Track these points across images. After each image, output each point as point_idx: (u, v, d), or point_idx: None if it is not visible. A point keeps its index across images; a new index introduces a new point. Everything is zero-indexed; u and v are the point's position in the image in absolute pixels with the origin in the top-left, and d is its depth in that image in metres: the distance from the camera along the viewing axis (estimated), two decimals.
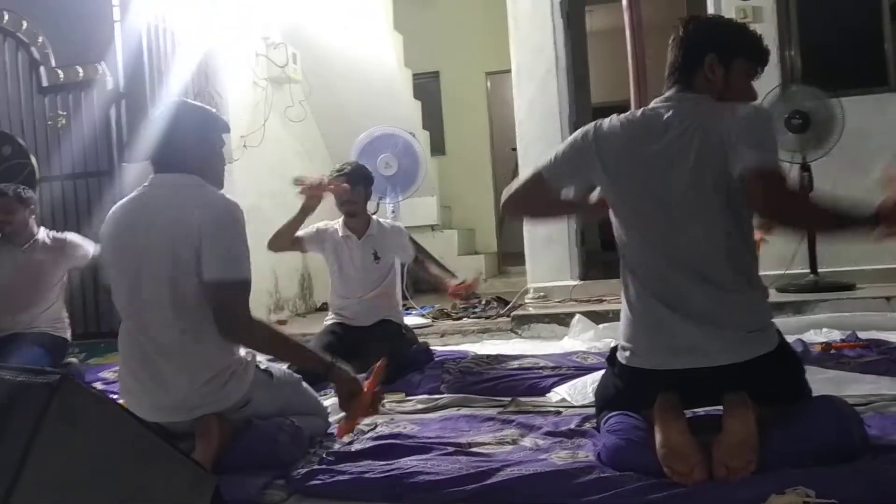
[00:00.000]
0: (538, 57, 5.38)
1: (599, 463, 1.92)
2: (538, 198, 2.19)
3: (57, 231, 4.04)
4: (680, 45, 2.12)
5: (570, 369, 3.27)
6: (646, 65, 4.03)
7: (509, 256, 7.86)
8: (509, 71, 5.75)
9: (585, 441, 2.15)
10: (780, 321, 3.96)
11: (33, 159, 5.09)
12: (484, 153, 8.52)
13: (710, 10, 5.04)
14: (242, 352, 2.30)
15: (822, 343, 3.50)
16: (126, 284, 2.21)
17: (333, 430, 2.46)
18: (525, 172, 2.24)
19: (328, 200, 3.71)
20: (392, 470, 1.95)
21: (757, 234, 2.32)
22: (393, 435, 2.31)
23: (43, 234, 3.92)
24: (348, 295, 3.74)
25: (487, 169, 8.50)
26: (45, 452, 1.18)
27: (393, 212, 5.31)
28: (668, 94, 2.10)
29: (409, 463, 1.99)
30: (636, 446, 1.86)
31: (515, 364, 3.48)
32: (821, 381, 2.78)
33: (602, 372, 2.30)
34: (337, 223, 3.77)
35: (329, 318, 3.82)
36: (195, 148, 2.24)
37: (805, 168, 4.56)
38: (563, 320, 4.41)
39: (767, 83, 4.77)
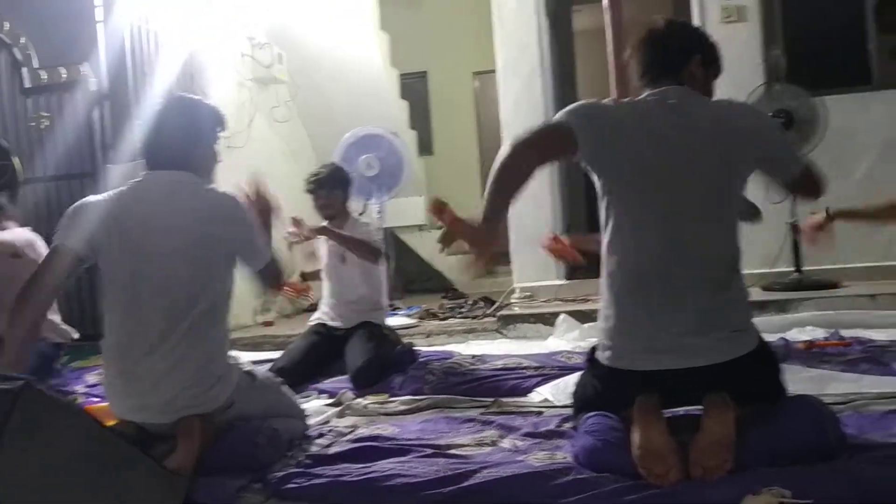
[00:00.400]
0: (523, 56, 5.37)
1: (577, 464, 1.91)
2: (555, 146, 2.04)
3: (40, 234, 4.00)
4: (667, 43, 2.15)
5: (553, 369, 3.27)
6: (630, 64, 4.03)
7: (497, 256, 7.85)
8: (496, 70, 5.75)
9: (564, 442, 2.14)
10: (764, 319, 4.04)
11: (16, 161, 5.05)
12: (472, 153, 8.50)
13: (695, 10, 5.05)
14: (229, 354, 2.30)
15: (805, 341, 3.50)
16: (121, 284, 2.19)
17: (312, 432, 2.46)
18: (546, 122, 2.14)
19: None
20: (368, 473, 1.93)
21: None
22: (371, 437, 2.30)
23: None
24: (329, 296, 3.73)
25: (475, 169, 8.48)
26: (8, 461, 1.17)
27: (379, 212, 5.30)
28: (663, 88, 2.10)
29: (386, 466, 1.98)
30: (613, 447, 1.86)
31: (499, 364, 3.48)
32: (802, 380, 2.79)
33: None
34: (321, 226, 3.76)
35: (313, 319, 3.81)
36: (189, 144, 2.24)
37: None
38: (549, 320, 4.41)
39: (751, 82, 4.79)
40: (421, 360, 3.64)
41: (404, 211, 7.30)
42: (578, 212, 5.49)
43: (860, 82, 4.93)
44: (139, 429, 2.12)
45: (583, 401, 2.14)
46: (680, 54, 2.13)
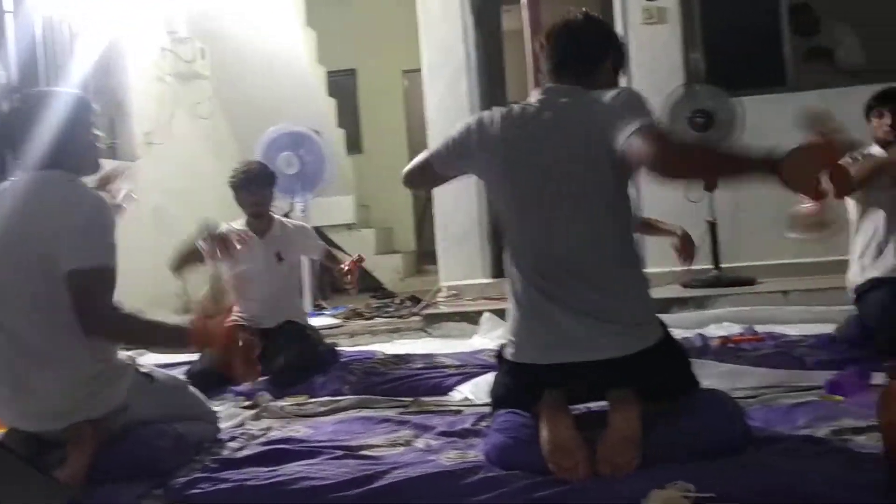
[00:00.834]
0: (448, 55, 5.36)
1: (488, 462, 1.90)
2: (429, 178, 2.41)
3: None
4: (583, 40, 2.14)
5: (475, 367, 3.26)
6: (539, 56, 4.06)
7: (428, 255, 7.84)
8: None
9: (478, 440, 2.12)
10: (682, 316, 4.12)
11: None
12: (402, 152, 8.45)
13: (618, 10, 5.11)
14: (120, 355, 2.20)
15: (721, 337, 3.57)
16: None
17: (223, 435, 2.39)
18: (422, 154, 2.36)
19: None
20: (275, 476, 1.88)
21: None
22: (283, 439, 2.25)
23: None
24: (251, 297, 3.64)
25: (405, 167, 8.45)
26: None
27: (303, 211, 5.22)
28: (549, 86, 2.12)
29: (294, 468, 1.93)
30: (523, 444, 1.85)
31: (421, 363, 3.46)
32: (717, 375, 2.84)
33: None
34: (238, 223, 3.67)
35: (231, 321, 3.71)
36: (57, 141, 2.12)
37: None
38: (474, 318, 4.41)
39: (671, 83, 4.88)
40: (343, 360, 3.60)
41: (333, 210, 7.22)
42: None
43: (775, 83, 5.06)
44: (30, 437, 2.02)
45: (496, 398, 2.13)
46: (592, 59, 2.14)
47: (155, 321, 2.23)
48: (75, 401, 2.04)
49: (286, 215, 5.52)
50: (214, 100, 6.43)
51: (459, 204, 5.30)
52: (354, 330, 4.74)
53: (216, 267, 3.65)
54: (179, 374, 3.33)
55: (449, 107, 5.28)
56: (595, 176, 1.99)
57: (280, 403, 2.97)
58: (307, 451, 2.08)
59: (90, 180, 2.32)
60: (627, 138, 1.84)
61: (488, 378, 2.91)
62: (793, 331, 3.62)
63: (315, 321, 4.84)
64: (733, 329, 3.78)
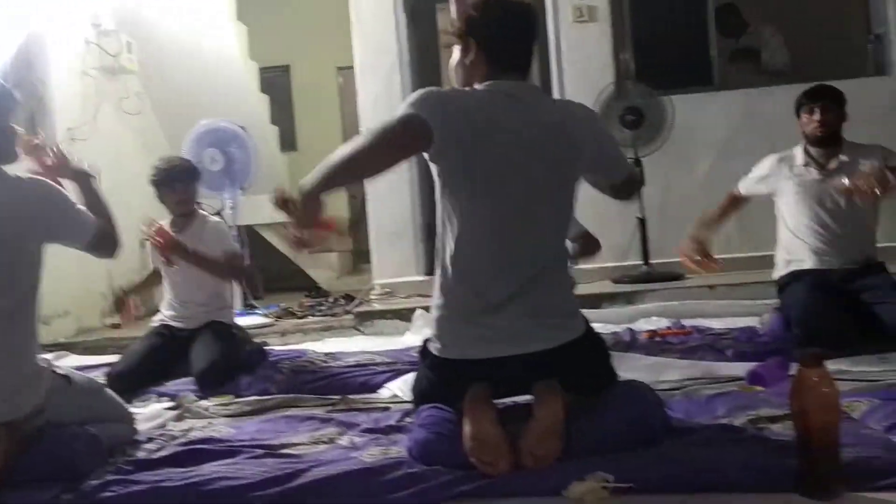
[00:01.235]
0: (382, 53, 5.31)
1: (410, 458, 1.88)
2: (417, 138, 1.92)
3: None
4: (530, 32, 2.12)
5: (405, 364, 3.24)
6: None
7: (365, 254, 7.76)
8: None
9: (402, 437, 2.10)
10: (612, 311, 4.17)
11: None
12: (336, 149, 8.39)
13: (549, 8, 5.14)
14: (38, 357, 2.12)
15: (649, 331, 3.62)
16: None
17: (142, 436, 2.32)
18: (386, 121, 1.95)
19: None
20: (191, 477, 1.83)
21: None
22: (203, 440, 2.20)
23: None
24: (173, 296, 3.56)
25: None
26: None
27: (232, 208, 5.12)
28: (515, 81, 2.06)
29: (211, 469, 1.89)
30: (445, 440, 1.84)
31: (352, 361, 3.42)
32: (643, 368, 2.88)
33: None
34: (164, 222, 3.58)
35: (156, 321, 3.63)
36: None
37: (637, 163, 4.72)
38: (406, 316, 4.38)
39: (602, 80, 4.93)
40: (272, 359, 3.53)
41: (265, 207, 7.06)
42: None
43: (702, 83, 5.16)
44: None
45: (419, 394, 2.12)
46: (532, 45, 2.12)
47: None
48: None
49: (218, 213, 5.43)
50: (142, 95, 6.26)
51: (393, 201, 5.27)
52: (285, 329, 4.67)
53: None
54: (99, 375, 3.25)
55: (383, 105, 5.23)
56: (557, 178, 2.02)
57: (204, 404, 2.90)
58: (226, 451, 2.04)
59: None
60: (621, 180, 2.22)
61: None
62: (718, 324, 3.69)
63: (245, 320, 4.76)
64: (661, 323, 3.84)
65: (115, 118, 5.93)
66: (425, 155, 2.01)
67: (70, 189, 2.46)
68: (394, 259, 5.29)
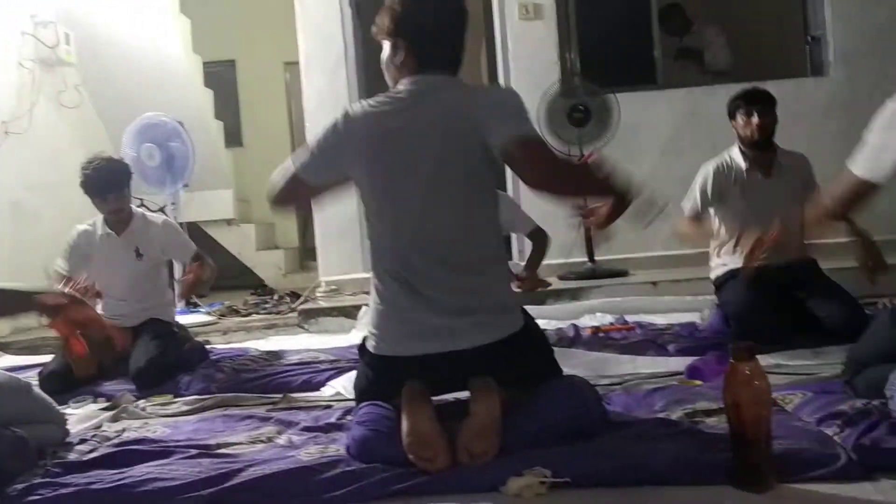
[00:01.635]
0: (327, 48, 5.27)
1: (348, 456, 1.86)
2: (303, 194, 2.18)
3: None
4: (461, 28, 2.08)
5: (349, 362, 3.21)
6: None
7: (312, 251, 7.70)
8: None
9: (342, 435, 2.08)
10: (557, 307, 4.19)
11: None
12: (284, 145, 8.29)
13: (496, 5, 5.15)
14: None
15: (593, 327, 3.65)
16: None
17: (74, 438, 2.26)
18: (284, 166, 2.13)
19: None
20: (122, 479, 1.78)
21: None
22: (137, 440, 2.14)
23: None
24: (112, 295, 3.46)
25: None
26: None
27: (173, 203, 5.02)
28: (440, 76, 2.04)
29: (143, 470, 1.84)
30: (383, 437, 1.82)
31: (295, 359, 3.38)
32: (586, 364, 2.91)
33: None
34: (94, 221, 3.49)
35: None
36: None
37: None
38: (352, 313, 4.35)
39: (547, 78, 4.96)
40: (213, 357, 3.48)
41: (210, 204, 7.00)
42: None
43: (646, 81, 5.22)
44: None
45: (359, 391, 2.10)
46: (463, 41, 2.09)
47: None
48: None
49: (161, 210, 5.32)
50: (82, 88, 6.10)
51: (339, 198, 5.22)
52: (228, 327, 4.61)
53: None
54: (33, 375, 3.16)
55: (328, 100, 5.19)
56: (468, 168, 1.98)
57: (142, 404, 2.84)
58: (160, 452, 1.99)
59: None
60: (508, 142, 1.90)
61: None
62: (661, 320, 3.74)
63: (187, 318, 4.68)
64: (605, 319, 3.87)
65: (52, 111, 5.78)
66: None
67: None
68: (340, 256, 5.24)
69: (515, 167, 2.01)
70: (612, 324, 3.72)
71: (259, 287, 6.46)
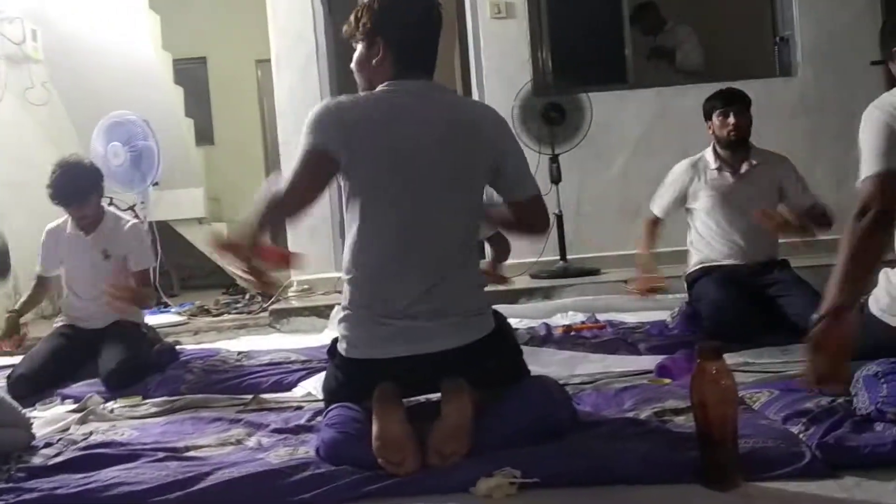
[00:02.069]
0: (298, 45, 5.24)
1: (318, 458, 1.85)
2: (320, 175, 1.96)
3: None
4: (436, 30, 2.06)
5: (321, 362, 3.19)
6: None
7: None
8: None
9: (312, 436, 2.07)
10: (530, 306, 4.20)
11: None
12: (256, 143, 8.26)
13: (467, 3, 5.15)
14: None
15: (564, 326, 3.66)
16: None
17: (40, 441, 2.23)
18: (265, 188, 1.99)
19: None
20: (88, 483, 1.76)
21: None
22: (104, 444, 2.12)
23: None
24: (80, 295, 3.42)
25: (260, 159, 8.24)
26: None
27: (142, 202, 4.97)
28: (421, 80, 2.03)
29: (110, 474, 1.81)
30: (353, 439, 1.81)
31: (266, 360, 3.36)
32: (557, 363, 2.92)
33: None
34: (65, 219, 3.44)
35: (59, 321, 3.49)
36: None
37: (554, 160, 4.78)
38: (324, 313, 4.33)
39: (519, 77, 4.97)
40: (183, 358, 3.45)
41: (181, 203, 6.93)
42: None
43: (617, 80, 5.25)
44: None
45: (329, 393, 2.09)
46: (437, 44, 2.08)
47: None
48: None
49: (132, 208, 5.26)
50: (49, 85, 6.01)
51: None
52: (199, 327, 4.56)
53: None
54: None
55: (300, 97, 5.16)
56: (465, 178, 1.99)
57: (110, 406, 2.81)
58: (127, 455, 1.97)
59: None
60: (528, 200, 2.10)
61: None
62: (632, 318, 3.76)
63: (157, 319, 4.64)
64: (577, 318, 3.89)
65: (19, 108, 5.70)
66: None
67: None
68: (312, 255, 5.20)
69: (525, 219, 2.16)
70: (583, 322, 3.74)
71: (230, 286, 6.41)
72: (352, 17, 2.08)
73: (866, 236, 1.84)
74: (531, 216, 2.15)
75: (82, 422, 2.63)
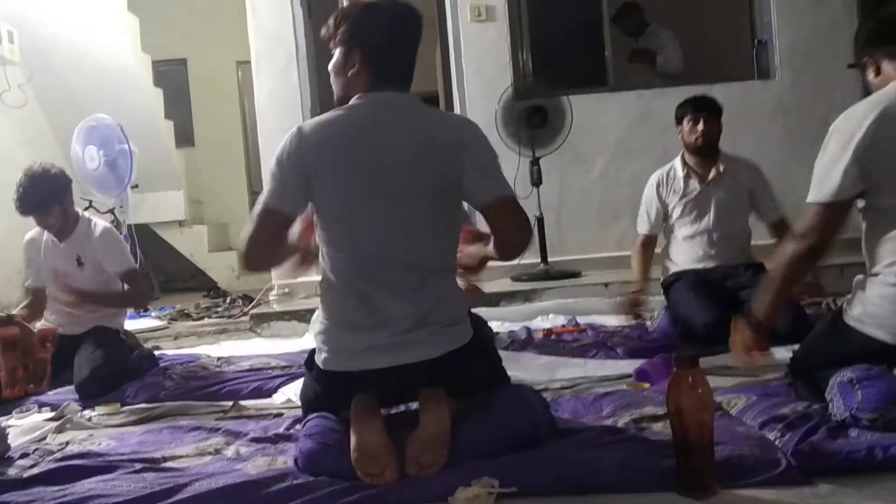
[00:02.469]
0: (277, 47, 5.22)
1: (296, 469, 1.84)
2: (281, 229, 1.97)
3: None
4: (414, 42, 2.04)
5: (301, 367, 3.17)
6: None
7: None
8: None
9: (291, 446, 2.06)
10: (511, 309, 4.21)
11: None
12: (237, 145, 8.22)
13: (448, 6, 5.15)
14: None
15: (545, 329, 3.67)
16: None
17: (15, 452, 2.21)
18: (255, 214, 1.98)
19: None
20: (64, 496, 1.74)
21: None
22: (80, 454, 2.10)
23: None
24: (58, 301, 3.39)
25: (241, 161, 8.21)
26: None
27: (121, 206, 4.93)
28: (397, 93, 2.01)
29: (85, 486, 1.80)
30: (331, 450, 1.80)
31: (246, 365, 3.35)
32: (537, 367, 2.93)
33: None
34: (38, 228, 3.41)
35: (39, 327, 3.46)
36: None
37: (534, 162, 4.78)
38: (304, 317, 4.31)
39: (499, 79, 4.98)
40: (162, 364, 3.43)
41: (162, 205, 6.92)
42: None
43: (598, 83, 5.27)
44: None
45: (306, 403, 2.08)
46: (415, 55, 2.05)
47: None
48: None
49: (111, 211, 5.22)
50: (27, 87, 5.96)
51: None
52: (179, 332, 4.54)
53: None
54: None
55: (279, 99, 5.16)
56: (437, 193, 1.96)
57: (88, 414, 2.79)
58: (104, 466, 1.95)
59: None
60: (495, 201, 1.96)
61: None
62: (613, 321, 3.77)
63: (137, 323, 4.61)
64: (558, 321, 3.91)
65: None
66: None
67: None
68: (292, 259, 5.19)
69: (498, 224, 2.02)
70: (564, 326, 3.75)
71: (212, 289, 6.39)
72: (331, 21, 2.05)
73: (798, 265, 2.07)
74: (503, 221, 1.99)
75: (59, 430, 2.60)
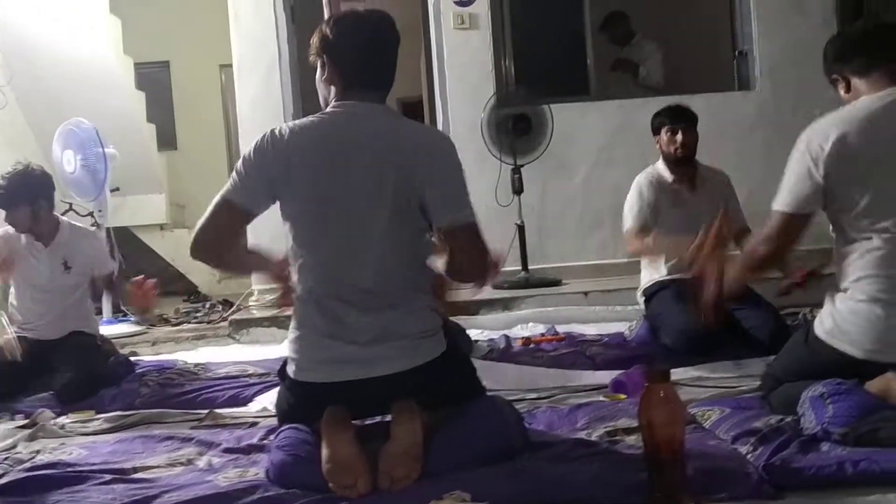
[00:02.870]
0: (260, 51, 5.20)
1: (267, 480, 1.83)
2: (235, 223, 1.99)
3: None
4: (386, 47, 2.04)
5: (278, 375, 3.17)
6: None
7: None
8: None
9: (263, 456, 2.05)
10: (490, 317, 4.20)
11: None
12: (219, 148, 8.18)
13: (431, 13, 5.15)
14: None
15: (523, 338, 3.67)
16: None
17: None
18: (213, 205, 1.99)
19: None
20: None
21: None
22: (50, 464, 2.08)
23: None
24: (34, 307, 3.36)
25: (223, 165, 8.15)
26: None
27: (100, 210, 4.89)
28: (365, 102, 2.00)
29: (54, 498, 1.79)
30: (303, 462, 1.79)
31: (223, 372, 3.33)
32: (514, 377, 2.92)
33: None
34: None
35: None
36: None
37: (516, 170, 4.79)
38: (284, 323, 4.27)
39: (482, 88, 4.98)
40: (139, 370, 3.39)
41: (143, 209, 6.86)
42: None
43: (580, 92, 5.28)
44: None
45: (280, 414, 2.08)
46: (394, 63, 2.06)
47: None
48: None
49: (90, 214, 5.18)
50: (7, 89, 5.90)
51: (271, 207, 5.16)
52: (157, 338, 4.50)
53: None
54: None
55: (261, 103, 5.14)
56: (401, 206, 1.95)
57: (62, 421, 2.76)
58: (73, 477, 1.93)
59: None
60: (452, 225, 1.93)
61: None
62: (592, 330, 3.78)
63: (114, 328, 4.57)
64: (537, 329, 3.90)
65: None
66: None
67: None
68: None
69: (453, 248, 1.96)
70: (543, 335, 3.75)
71: (193, 294, 6.35)
72: (312, 38, 2.09)
73: (756, 266, 2.23)
74: (457, 247, 1.94)
75: (31, 438, 2.57)
